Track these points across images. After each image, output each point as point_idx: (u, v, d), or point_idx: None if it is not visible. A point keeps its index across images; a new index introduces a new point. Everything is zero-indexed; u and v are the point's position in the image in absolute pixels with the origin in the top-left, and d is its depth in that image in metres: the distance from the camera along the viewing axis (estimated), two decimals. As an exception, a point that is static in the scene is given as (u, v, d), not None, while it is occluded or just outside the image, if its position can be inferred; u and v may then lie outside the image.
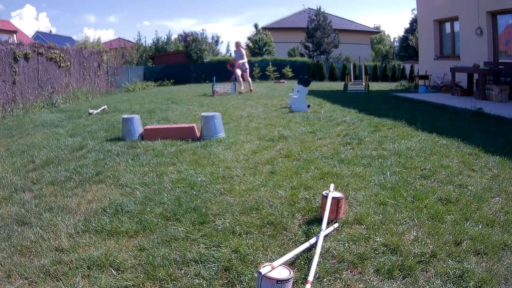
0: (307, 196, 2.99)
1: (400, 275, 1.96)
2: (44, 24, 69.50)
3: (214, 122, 5.14)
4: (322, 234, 2.24)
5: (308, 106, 7.72)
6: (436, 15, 12.13)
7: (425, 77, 12.54)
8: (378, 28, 42.36)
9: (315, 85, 14.93)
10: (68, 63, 11.85)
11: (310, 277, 1.86)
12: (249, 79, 12.67)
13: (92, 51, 14.31)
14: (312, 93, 11.00)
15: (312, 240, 2.21)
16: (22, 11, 75.56)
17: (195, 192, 3.14)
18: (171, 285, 1.94)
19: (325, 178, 3.42)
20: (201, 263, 2.10)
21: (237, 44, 12.52)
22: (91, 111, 8.15)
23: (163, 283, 1.96)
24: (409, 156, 4.01)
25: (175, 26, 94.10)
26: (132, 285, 1.95)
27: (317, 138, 5.07)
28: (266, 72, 21.14)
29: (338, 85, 14.96)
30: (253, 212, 2.75)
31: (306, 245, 2.16)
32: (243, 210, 2.78)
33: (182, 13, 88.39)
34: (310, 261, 2.05)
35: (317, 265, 2.01)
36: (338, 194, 2.62)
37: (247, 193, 3.12)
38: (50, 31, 42.62)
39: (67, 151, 4.81)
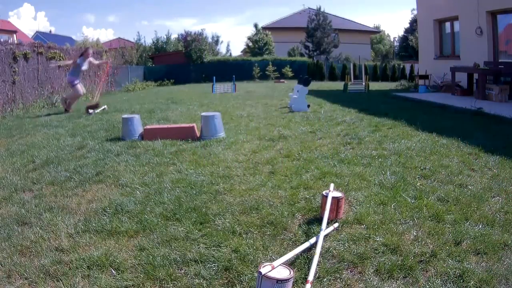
0: (307, 196, 2.99)
1: (400, 275, 1.96)
2: (42, 24, 69.29)
3: (214, 122, 5.14)
4: (322, 234, 2.24)
5: (308, 106, 7.72)
6: (436, 15, 12.12)
7: (425, 76, 12.54)
8: (378, 28, 42.34)
9: (315, 85, 14.92)
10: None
11: (310, 277, 1.86)
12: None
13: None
14: (312, 93, 11.00)
15: (312, 240, 2.21)
16: (20, 10, 75.49)
17: (195, 192, 3.14)
18: (171, 285, 1.94)
19: (325, 177, 3.41)
20: (201, 263, 2.10)
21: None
22: (91, 111, 8.14)
23: (163, 283, 1.96)
24: (409, 156, 4.01)
25: (175, 26, 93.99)
26: (132, 285, 1.95)
27: (317, 138, 5.07)
28: (266, 72, 21.16)
29: (338, 85, 14.96)
30: (253, 212, 2.75)
31: (306, 245, 2.16)
32: (243, 210, 2.78)
33: (182, 12, 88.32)
34: (310, 260, 2.05)
35: (317, 264, 2.01)
36: (338, 194, 2.62)
37: (247, 193, 3.12)
38: (50, 31, 42.62)
39: (67, 151, 4.80)
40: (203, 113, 5.37)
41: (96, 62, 9.81)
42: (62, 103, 9.12)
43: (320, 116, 6.74)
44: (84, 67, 8.79)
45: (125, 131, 5.29)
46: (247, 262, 2.09)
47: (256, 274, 1.85)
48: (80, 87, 8.75)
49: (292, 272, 1.78)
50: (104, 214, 2.81)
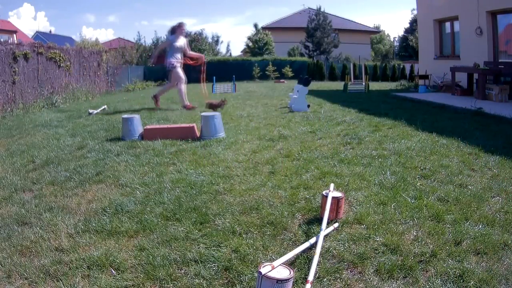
0: (307, 196, 2.99)
1: (400, 275, 1.96)
2: (42, 24, 69.30)
3: (214, 122, 5.14)
4: (322, 234, 2.24)
5: (308, 106, 7.72)
6: (436, 15, 12.13)
7: (425, 76, 12.55)
8: (378, 27, 42.35)
9: (315, 85, 14.92)
10: (68, 63, 11.84)
11: (310, 277, 1.86)
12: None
13: (92, 51, 14.29)
14: (312, 93, 11.00)
15: (312, 240, 2.21)
16: (20, 10, 75.50)
17: (195, 192, 3.14)
18: (171, 285, 1.94)
19: (325, 177, 3.42)
20: (201, 263, 2.10)
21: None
22: (91, 111, 8.14)
23: (163, 283, 1.96)
24: (409, 156, 4.01)
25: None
26: (132, 285, 1.95)
27: (317, 137, 5.07)
28: (266, 72, 21.16)
29: (338, 85, 14.96)
30: (253, 212, 2.75)
31: (306, 244, 2.16)
32: (243, 210, 2.78)
33: (182, 12, 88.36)
34: (310, 260, 2.05)
35: (317, 264, 2.01)
36: (338, 194, 2.62)
37: (247, 193, 3.12)
38: (50, 31, 42.66)
39: (67, 151, 4.80)
40: (203, 113, 5.37)
41: (190, 52, 8.74)
42: (157, 95, 8.79)
43: (320, 116, 6.74)
44: (179, 43, 8.12)
45: (125, 131, 5.29)
46: (247, 262, 2.09)
47: (256, 274, 1.86)
48: (180, 70, 8.08)
49: (292, 272, 1.78)
50: (104, 214, 2.81)
